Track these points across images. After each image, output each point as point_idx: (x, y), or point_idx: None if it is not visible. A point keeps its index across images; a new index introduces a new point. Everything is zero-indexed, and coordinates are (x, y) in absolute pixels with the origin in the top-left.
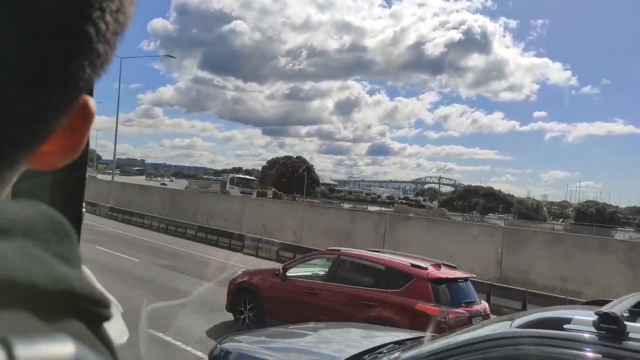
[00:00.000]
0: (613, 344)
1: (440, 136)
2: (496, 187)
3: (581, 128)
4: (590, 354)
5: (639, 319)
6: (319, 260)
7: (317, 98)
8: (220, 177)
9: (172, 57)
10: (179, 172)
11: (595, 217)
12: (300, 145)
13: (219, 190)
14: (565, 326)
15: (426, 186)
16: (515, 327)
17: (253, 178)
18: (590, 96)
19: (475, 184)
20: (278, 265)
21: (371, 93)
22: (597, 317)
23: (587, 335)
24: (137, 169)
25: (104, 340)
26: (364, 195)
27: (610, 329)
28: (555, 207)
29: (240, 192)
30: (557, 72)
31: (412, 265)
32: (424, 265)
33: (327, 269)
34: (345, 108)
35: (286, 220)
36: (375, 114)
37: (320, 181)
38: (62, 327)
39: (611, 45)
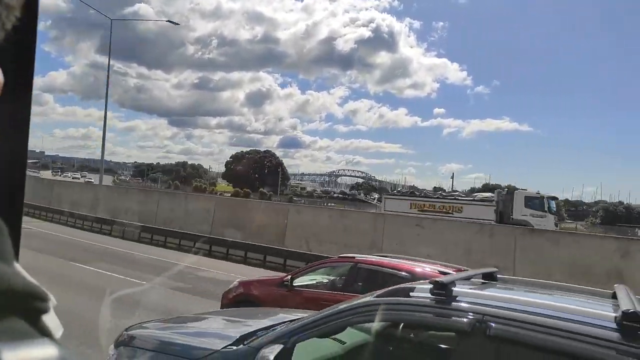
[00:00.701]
0: (441, 305)
1: (349, 130)
2: (400, 179)
3: (474, 124)
4: (424, 314)
5: (467, 285)
6: (326, 269)
7: (227, 89)
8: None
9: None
10: (85, 166)
11: None
12: (210, 137)
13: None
14: (410, 294)
15: (339, 179)
16: (374, 297)
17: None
18: (482, 95)
19: (381, 177)
20: (271, 274)
21: (283, 86)
22: (432, 285)
23: (423, 300)
24: (33, 162)
25: (46, 334)
26: (300, 190)
27: (440, 293)
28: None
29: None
30: (455, 72)
31: (441, 273)
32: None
33: (336, 277)
34: (257, 100)
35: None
36: (287, 106)
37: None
38: (6, 325)
39: (501, 50)
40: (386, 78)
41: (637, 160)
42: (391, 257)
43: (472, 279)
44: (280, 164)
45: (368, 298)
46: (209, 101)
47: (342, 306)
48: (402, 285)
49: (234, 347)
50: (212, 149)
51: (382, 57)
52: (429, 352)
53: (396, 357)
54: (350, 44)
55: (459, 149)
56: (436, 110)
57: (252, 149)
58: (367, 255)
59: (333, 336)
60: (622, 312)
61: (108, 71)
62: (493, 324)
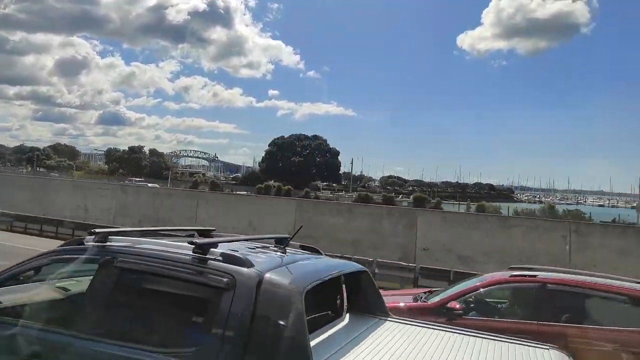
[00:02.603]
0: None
1: (180, 107)
2: (234, 159)
3: (306, 107)
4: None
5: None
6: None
7: (30, 53)
8: None
9: None
10: None
11: None
12: (6, 109)
13: None
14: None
15: (184, 161)
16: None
17: None
18: (313, 80)
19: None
20: None
21: (103, 54)
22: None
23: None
24: None
25: None
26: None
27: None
28: None
29: None
30: (289, 55)
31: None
32: None
33: (510, 302)
34: (70, 69)
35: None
36: (108, 78)
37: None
38: None
39: (331, 38)
40: (221, 55)
41: (444, 147)
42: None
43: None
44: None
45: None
46: (4, 66)
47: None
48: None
49: None
50: (9, 124)
51: (218, 33)
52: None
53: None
54: (183, 14)
55: (292, 131)
56: (271, 92)
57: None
58: (553, 274)
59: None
60: (192, 242)
61: None
62: (120, 258)
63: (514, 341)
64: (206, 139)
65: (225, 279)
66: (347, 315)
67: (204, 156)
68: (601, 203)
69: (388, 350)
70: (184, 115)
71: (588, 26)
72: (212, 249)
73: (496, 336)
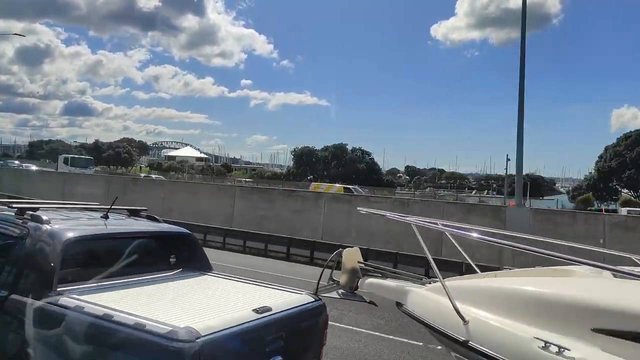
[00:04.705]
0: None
1: (150, 97)
2: (206, 150)
3: (279, 97)
4: None
5: None
6: None
7: None
8: None
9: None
10: None
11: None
12: None
13: None
14: None
15: (165, 152)
16: None
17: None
18: (287, 69)
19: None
20: None
21: (68, 42)
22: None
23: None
24: None
25: None
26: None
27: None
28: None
29: None
30: (262, 45)
31: None
32: None
33: None
34: (32, 57)
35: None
36: (74, 67)
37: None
38: None
39: (305, 27)
40: (193, 44)
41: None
42: None
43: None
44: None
45: None
46: None
47: None
48: None
49: None
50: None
51: (190, 21)
52: None
53: None
54: (153, 1)
55: (265, 121)
56: (243, 82)
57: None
58: None
59: None
60: (13, 207)
61: None
62: None
63: (276, 287)
64: (177, 130)
65: (24, 232)
66: (179, 270)
67: (178, 147)
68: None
69: (174, 290)
70: (154, 105)
71: (558, 17)
72: (31, 213)
73: (268, 284)
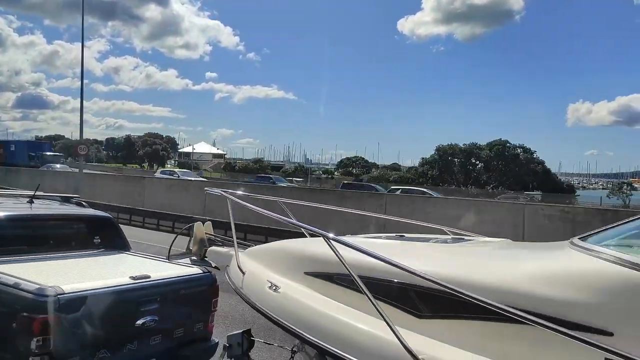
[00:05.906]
0: None
1: (110, 90)
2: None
3: (245, 90)
4: None
5: None
6: None
7: None
8: None
9: None
10: None
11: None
12: None
13: None
14: None
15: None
16: None
17: None
18: (253, 62)
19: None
20: None
21: (21, 31)
22: None
23: None
24: None
25: None
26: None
27: None
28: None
29: None
30: (228, 37)
31: None
32: None
33: None
34: None
35: None
36: (28, 58)
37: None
38: None
39: (272, 20)
40: (155, 35)
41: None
42: None
43: None
44: None
45: None
46: None
47: None
48: None
49: None
50: None
51: (152, 11)
52: None
53: None
54: None
55: (230, 114)
56: (208, 74)
57: None
58: None
59: None
60: None
61: None
62: None
63: (175, 263)
64: (138, 123)
65: None
66: (101, 249)
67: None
68: None
69: (83, 264)
70: (114, 98)
71: (521, 13)
72: None
73: (167, 260)
